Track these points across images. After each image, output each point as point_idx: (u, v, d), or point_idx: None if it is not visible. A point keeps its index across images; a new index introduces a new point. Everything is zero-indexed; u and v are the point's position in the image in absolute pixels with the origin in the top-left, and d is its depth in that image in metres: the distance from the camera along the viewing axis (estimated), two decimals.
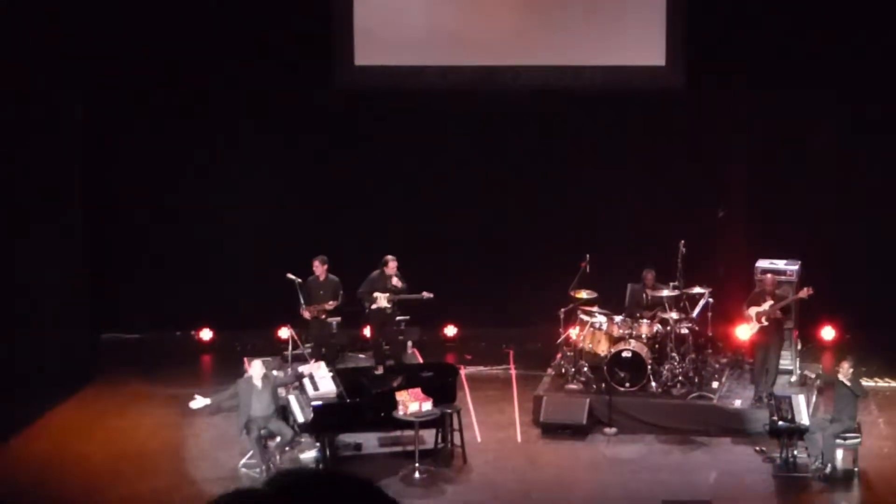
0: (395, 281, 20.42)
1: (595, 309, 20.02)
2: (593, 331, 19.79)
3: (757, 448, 18.00)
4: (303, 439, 18.05)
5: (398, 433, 18.19)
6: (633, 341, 19.46)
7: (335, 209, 22.99)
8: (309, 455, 18.00)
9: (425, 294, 20.44)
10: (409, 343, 22.15)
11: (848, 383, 17.25)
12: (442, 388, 18.13)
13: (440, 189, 22.91)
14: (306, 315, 20.55)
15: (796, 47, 21.69)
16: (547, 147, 22.83)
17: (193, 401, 17.86)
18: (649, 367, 19.24)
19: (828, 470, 17.08)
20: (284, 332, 21.42)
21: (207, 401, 17.82)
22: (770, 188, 22.25)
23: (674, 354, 19.65)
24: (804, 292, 18.96)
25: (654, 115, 22.26)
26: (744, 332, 19.53)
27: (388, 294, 20.55)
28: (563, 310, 20.22)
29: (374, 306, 20.62)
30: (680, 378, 19.49)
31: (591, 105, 22.33)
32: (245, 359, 19.58)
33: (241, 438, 17.66)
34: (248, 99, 22.67)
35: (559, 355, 20.51)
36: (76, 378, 20.91)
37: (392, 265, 20.54)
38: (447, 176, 22.91)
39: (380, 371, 19.52)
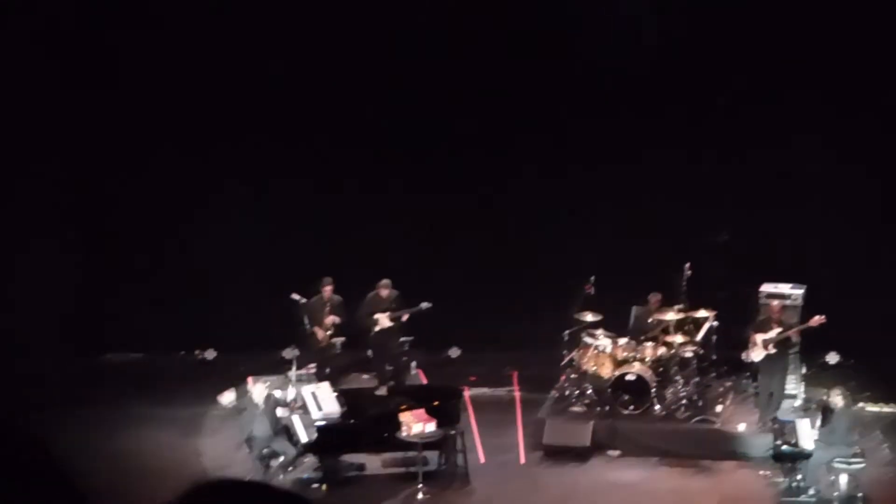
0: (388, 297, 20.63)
1: (599, 331, 19.99)
2: (597, 353, 19.76)
3: (761, 472, 17.93)
4: (305, 459, 18.03)
5: (401, 454, 18.14)
6: (637, 364, 19.42)
7: (338, 230, 22.95)
8: (311, 475, 17.96)
9: (423, 304, 20.49)
10: (414, 364, 22.12)
11: (838, 410, 17.25)
12: (445, 410, 18.09)
13: (443, 209, 22.88)
14: (320, 335, 20.58)
15: (802, 69, 21.68)
16: (552, 169, 22.79)
17: (223, 395, 17.94)
18: (653, 390, 19.20)
19: (812, 492, 17.06)
20: (288, 353, 21.41)
21: (234, 400, 17.82)
22: (775, 211, 22.20)
23: (678, 378, 19.61)
24: (816, 320, 18.78)
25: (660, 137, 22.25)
26: (749, 357, 19.47)
27: (388, 313, 20.65)
28: (567, 332, 20.20)
29: (377, 328, 20.70)
30: (684, 401, 19.44)
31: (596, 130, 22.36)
32: (250, 378, 19.55)
33: (243, 457, 17.63)
34: (248, 122, 22.67)
35: (563, 378, 20.47)
36: (78, 398, 20.88)
37: (385, 291, 20.67)
38: (450, 196, 22.89)
39: (383, 392, 19.50)
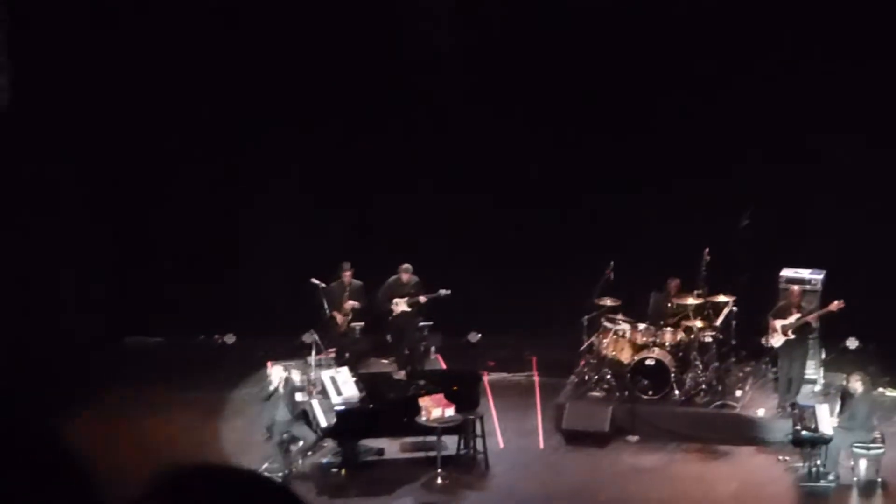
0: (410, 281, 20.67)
1: (619, 316, 19.99)
2: (617, 338, 19.76)
3: (780, 457, 17.93)
4: (325, 444, 18.07)
5: (421, 439, 18.18)
6: (656, 349, 19.42)
7: (359, 214, 22.97)
8: (331, 460, 18.01)
9: (442, 291, 20.52)
10: (433, 349, 22.15)
11: (857, 396, 17.24)
12: (465, 395, 18.12)
13: (463, 193, 22.84)
14: (339, 320, 20.68)
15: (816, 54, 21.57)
16: (571, 154, 22.74)
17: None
18: (672, 375, 19.19)
19: (831, 477, 17.06)
20: (308, 337, 21.47)
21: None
22: (795, 196, 22.10)
23: (697, 363, 19.59)
24: (835, 305, 18.78)
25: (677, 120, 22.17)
26: (769, 343, 19.43)
27: (406, 298, 20.71)
28: (586, 317, 20.20)
29: (395, 312, 20.75)
30: (703, 386, 19.44)
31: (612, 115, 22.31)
32: (269, 363, 19.59)
33: (263, 442, 17.69)
34: (273, 106, 22.68)
35: (582, 362, 20.48)
36: (99, 381, 20.95)
37: (405, 276, 20.73)
38: (470, 180, 22.86)
39: (402, 376, 19.53)
